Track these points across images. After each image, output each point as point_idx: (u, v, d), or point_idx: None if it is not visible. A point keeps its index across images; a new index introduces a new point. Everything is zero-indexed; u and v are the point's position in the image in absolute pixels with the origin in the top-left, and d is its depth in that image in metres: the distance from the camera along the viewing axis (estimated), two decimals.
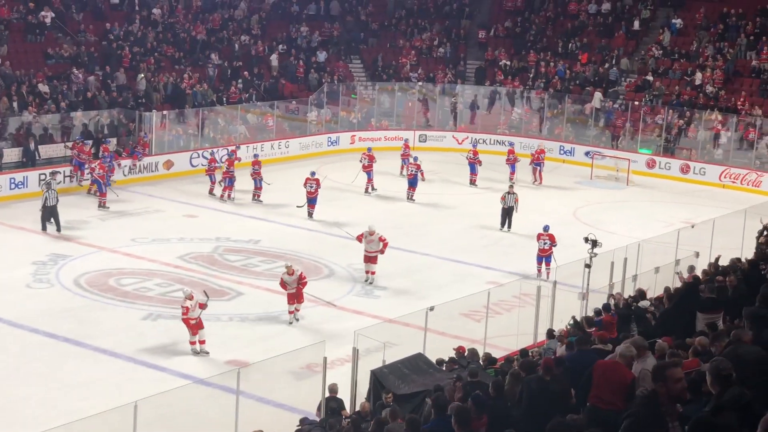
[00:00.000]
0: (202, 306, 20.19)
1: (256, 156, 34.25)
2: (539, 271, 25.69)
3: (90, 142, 34.16)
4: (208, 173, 33.41)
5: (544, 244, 25.88)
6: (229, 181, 32.73)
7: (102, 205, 30.80)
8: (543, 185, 36.77)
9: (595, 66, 44.28)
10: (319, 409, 16.23)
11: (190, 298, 20.17)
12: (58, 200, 28.07)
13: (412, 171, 33.95)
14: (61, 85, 36.06)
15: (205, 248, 27.44)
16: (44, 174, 31.46)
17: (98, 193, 31.19)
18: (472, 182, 36.11)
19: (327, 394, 16.15)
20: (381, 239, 24.98)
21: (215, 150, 35.42)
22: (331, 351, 17.62)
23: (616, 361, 9.72)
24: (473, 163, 36.14)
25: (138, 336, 21.08)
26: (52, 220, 27.91)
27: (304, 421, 15.68)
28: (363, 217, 31.37)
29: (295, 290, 22.05)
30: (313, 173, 31.63)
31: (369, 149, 35.30)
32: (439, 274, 26.08)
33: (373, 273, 25.16)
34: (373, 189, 34.44)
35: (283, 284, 22.10)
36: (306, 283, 22.30)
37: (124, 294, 23.49)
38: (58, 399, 18.05)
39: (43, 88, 35.69)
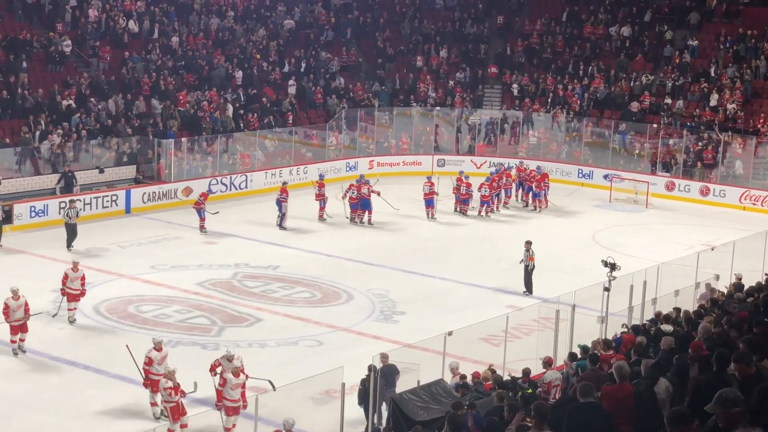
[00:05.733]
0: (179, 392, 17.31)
1: (210, 192, 34.13)
2: (431, 214, 34.16)
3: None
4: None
5: (429, 189, 34.03)
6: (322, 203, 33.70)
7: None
8: (551, 208, 36.69)
9: (611, 88, 44.25)
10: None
11: (158, 349, 18.46)
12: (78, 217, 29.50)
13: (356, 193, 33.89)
14: (81, 114, 36.26)
15: (223, 275, 27.49)
16: (64, 202, 31.85)
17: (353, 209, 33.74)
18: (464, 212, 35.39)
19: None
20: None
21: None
22: (350, 376, 17.59)
23: (621, 385, 9.75)
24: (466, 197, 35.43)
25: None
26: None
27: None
28: (380, 242, 31.45)
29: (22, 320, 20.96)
30: (429, 177, 34.92)
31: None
32: (457, 299, 26.04)
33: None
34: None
35: (7, 311, 21.01)
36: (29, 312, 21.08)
37: (143, 321, 23.53)
38: (76, 426, 18.09)
39: (67, 102, 36.18)
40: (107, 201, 33.35)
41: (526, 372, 16.96)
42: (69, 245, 29.05)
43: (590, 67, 45.75)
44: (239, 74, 42.23)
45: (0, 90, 35.43)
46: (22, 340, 21.07)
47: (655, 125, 41.71)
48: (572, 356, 17.46)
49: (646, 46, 45.90)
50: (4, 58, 37.04)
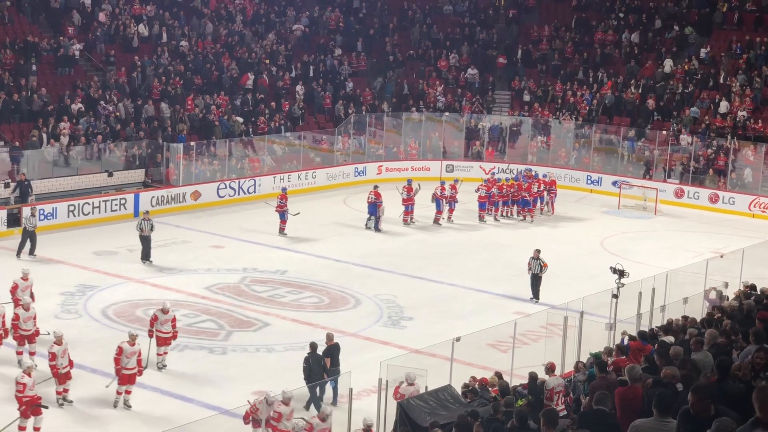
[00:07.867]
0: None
1: (284, 189, 33.68)
2: (482, 217, 35.15)
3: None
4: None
5: (486, 192, 35.12)
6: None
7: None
8: (559, 215, 36.69)
9: (620, 94, 44.19)
10: None
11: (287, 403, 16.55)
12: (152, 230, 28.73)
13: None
14: (89, 118, 36.31)
15: (231, 279, 27.49)
16: (73, 205, 32.01)
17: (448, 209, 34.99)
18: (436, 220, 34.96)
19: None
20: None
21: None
22: (357, 382, 17.60)
23: (633, 386, 9.78)
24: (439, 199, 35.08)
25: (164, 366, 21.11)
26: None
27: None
28: (388, 247, 31.42)
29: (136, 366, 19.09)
30: (485, 180, 36.28)
31: (409, 181, 35.05)
32: (465, 304, 26.01)
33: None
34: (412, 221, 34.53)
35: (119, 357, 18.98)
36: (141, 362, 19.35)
37: None
38: (85, 430, 18.06)
39: (76, 106, 36.18)
40: (116, 204, 33.38)
41: (533, 376, 16.92)
42: (144, 257, 28.50)
43: (599, 74, 45.68)
44: (248, 78, 42.23)
45: (10, 93, 35.51)
46: (128, 392, 18.98)
47: (664, 132, 41.63)
48: (580, 364, 17.45)
49: (663, 54, 45.65)
50: (14, 61, 37.14)
